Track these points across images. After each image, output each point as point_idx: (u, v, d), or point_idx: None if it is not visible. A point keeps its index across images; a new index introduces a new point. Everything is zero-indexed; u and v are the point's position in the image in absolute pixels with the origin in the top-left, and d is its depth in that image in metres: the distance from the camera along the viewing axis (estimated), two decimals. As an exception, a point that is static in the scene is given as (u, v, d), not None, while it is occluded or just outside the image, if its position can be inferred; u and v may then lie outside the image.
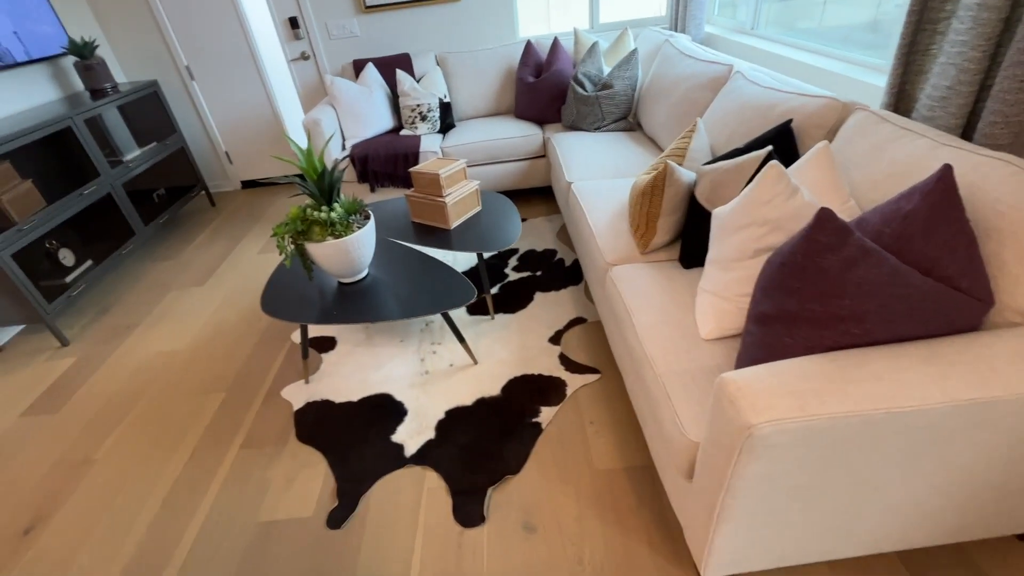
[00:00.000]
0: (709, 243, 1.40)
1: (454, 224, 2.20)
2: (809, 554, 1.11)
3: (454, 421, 1.77)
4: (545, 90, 3.07)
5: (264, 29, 3.62)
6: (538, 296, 2.36)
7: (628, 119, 2.90)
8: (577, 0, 3.56)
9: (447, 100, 3.26)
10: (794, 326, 0.98)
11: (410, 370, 2.02)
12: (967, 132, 1.34)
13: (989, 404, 0.81)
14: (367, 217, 1.84)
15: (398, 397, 1.90)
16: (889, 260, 0.91)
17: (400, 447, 1.70)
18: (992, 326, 0.96)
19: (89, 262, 2.75)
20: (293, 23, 3.50)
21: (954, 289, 0.92)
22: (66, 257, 2.71)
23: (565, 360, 1.98)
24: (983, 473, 0.94)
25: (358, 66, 3.38)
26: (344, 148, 3.14)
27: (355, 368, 2.07)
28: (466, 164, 2.22)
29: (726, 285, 1.30)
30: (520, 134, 3.01)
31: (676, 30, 3.20)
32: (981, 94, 1.30)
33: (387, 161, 2.96)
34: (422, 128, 3.17)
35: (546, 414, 1.76)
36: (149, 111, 3.48)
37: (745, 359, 1.11)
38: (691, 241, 1.60)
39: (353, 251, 1.76)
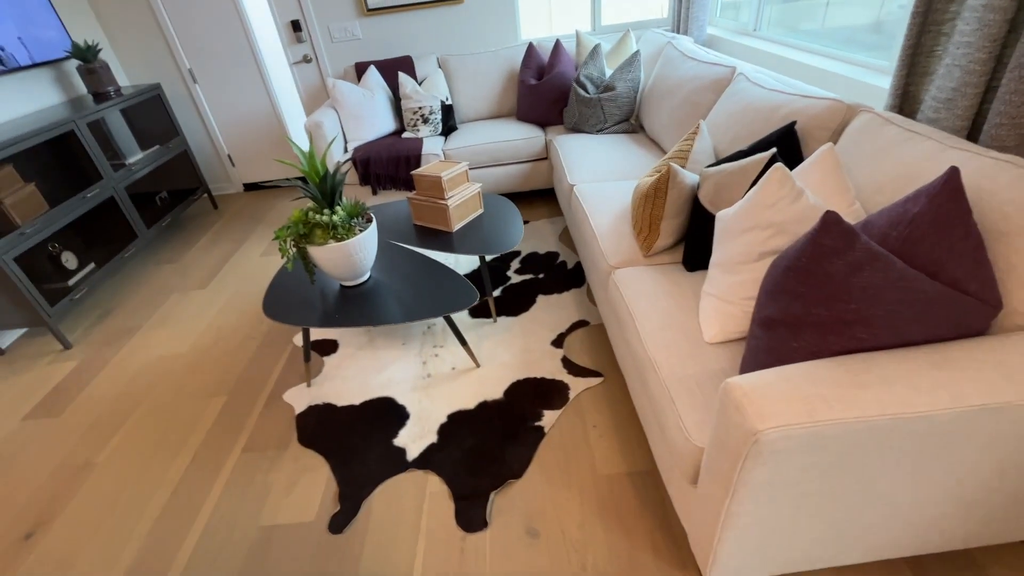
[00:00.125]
0: (713, 246, 1.39)
1: (456, 227, 2.20)
2: (816, 560, 1.10)
3: (456, 425, 1.76)
4: (547, 92, 3.07)
5: (266, 32, 3.63)
6: (540, 299, 2.35)
7: (630, 121, 2.90)
8: (579, 2, 3.56)
9: (449, 102, 3.26)
10: (800, 330, 0.98)
11: (412, 373, 2.02)
12: (973, 134, 1.33)
13: (999, 410, 0.80)
14: (369, 220, 1.83)
15: (400, 400, 1.89)
16: (896, 264, 0.90)
17: (402, 451, 1.70)
18: (1000, 330, 0.95)
19: (92, 265, 2.75)
20: (295, 26, 3.50)
21: (962, 293, 0.91)
22: (69, 260, 2.71)
23: (568, 363, 1.97)
24: (993, 479, 0.93)
25: (360, 69, 3.38)
26: (346, 151, 3.14)
27: (357, 371, 2.07)
28: (468, 167, 2.22)
29: (730, 288, 1.29)
30: (522, 136, 3.00)
31: (678, 32, 3.20)
32: (986, 96, 1.30)
33: (389, 164, 2.96)
34: (424, 131, 3.17)
35: (549, 418, 1.75)
36: (152, 114, 3.49)
37: (750, 363, 1.11)
38: (695, 244, 1.60)
39: (355, 254, 1.75)
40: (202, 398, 2.07)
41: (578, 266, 2.58)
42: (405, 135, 3.18)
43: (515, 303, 2.35)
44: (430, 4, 3.42)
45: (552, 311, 2.27)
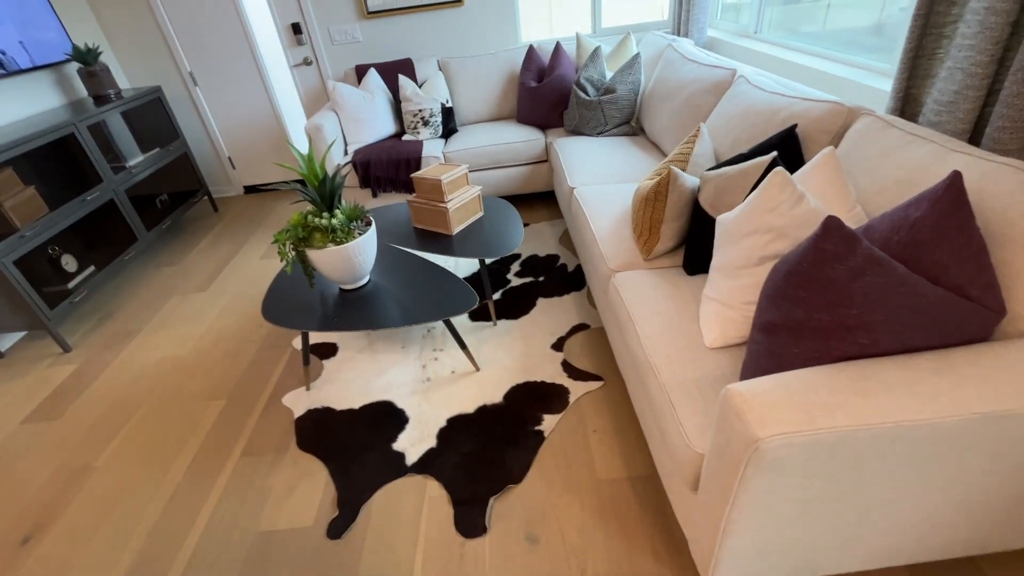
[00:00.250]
0: (713, 250, 1.38)
1: (456, 230, 2.19)
2: (817, 568, 1.08)
3: (456, 429, 1.75)
4: (547, 95, 3.07)
5: (267, 35, 3.63)
6: (540, 302, 2.35)
7: (631, 123, 2.89)
8: (579, 4, 3.55)
9: (449, 105, 3.25)
10: (801, 336, 0.97)
11: (412, 377, 2.01)
12: (975, 137, 1.32)
13: (1002, 417, 0.79)
14: (368, 223, 1.83)
15: (399, 404, 1.88)
16: (898, 269, 0.89)
17: (401, 455, 1.69)
18: (1004, 336, 0.94)
19: (91, 268, 2.75)
20: (296, 28, 3.50)
21: (965, 298, 0.90)
22: (68, 263, 2.71)
23: (568, 367, 1.96)
24: (997, 486, 0.92)
25: (360, 71, 3.38)
26: (346, 153, 3.14)
27: (356, 375, 2.06)
28: (468, 169, 2.21)
29: (731, 293, 1.28)
30: (522, 139, 3.00)
31: (679, 34, 3.20)
32: (989, 99, 1.29)
33: (389, 166, 2.95)
34: (424, 133, 3.16)
35: (549, 422, 1.74)
36: (152, 117, 3.49)
37: (751, 369, 1.10)
38: (695, 247, 1.59)
39: (354, 257, 1.74)
40: (201, 401, 2.06)
41: (578, 269, 2.57)
42: (405, 138, 3.18)
43: (515, 306, 2.34)
44: (430, 7, 3.42)
45: (552, 314, 2.26)
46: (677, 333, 1.36)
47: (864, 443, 0.81)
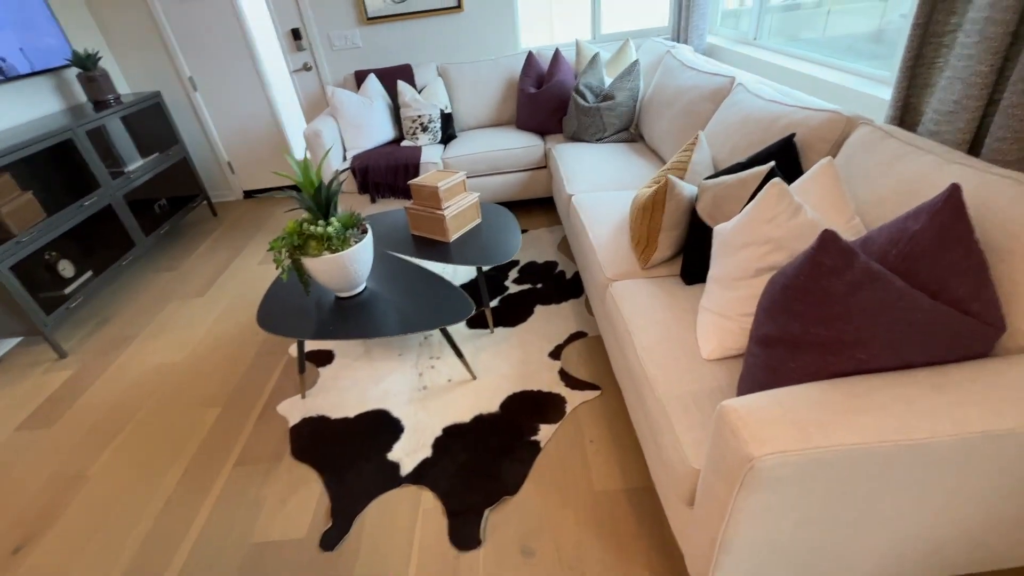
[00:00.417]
0: (711, 260, 1.37)
1: (453, 237, 2.18)
2: (815, 585, 1.07)
3: (451, 439, 1.74)
4: (546, 101, 3.06)
5: (267, 40, 3.63)
6: (538, 309, 2.33)
7: (630, 130, 2.88)
8: (579, 11, 3.55)
9: (448, 111, 3.25)
10: (798, 350, 0.95)
11: (408, 385, 1.99)
12: (975, 147, 1.31)
13: (1002, 437, 0.77)
14: (364, 231, 1.82)
15: (395, 413, 1.87)
16: (896, 283, 0.88)
17: (396, 465, 1.67)
18: (1004, 351, 0.93)
19: (89, 273, 2.74)
20: (295, 34, 3.51)
21: (964, 313, 0.88)
22: (65, 268, 2.70)
23: (565, 376, 1.95)
24: (997, 505, 0.90)
25: (360, 77, 3.38)
26: (345, 159, 3.14)
27: (352, 382, 2.05)
28: (466, 176, 2.20)
29: (728, 304, 1.27)
30: (521, 145, 2.99)
31: (678, 41, 3.19)
32: (988, 109, 1.28)
33: (388, 172, 2.95)
34: (423, 139, 3.16)
35: (545, 432, 1.73)
36: (152, 122, 3.49)
37: (748, 382, 1.08)
38: (693, 257, 1.57)
39: (350, 266, 1.73)
40: (197, 409, 2.05)
41: (577, 276, 2.56)
42: (404, 143, 3.17)
43: (513, 313, 2.33)
44: (430, 13, 3.42)
45: (550, 322, 2.25)
46: (674, 344, 1.35)
47: (861, 461, 0.80)
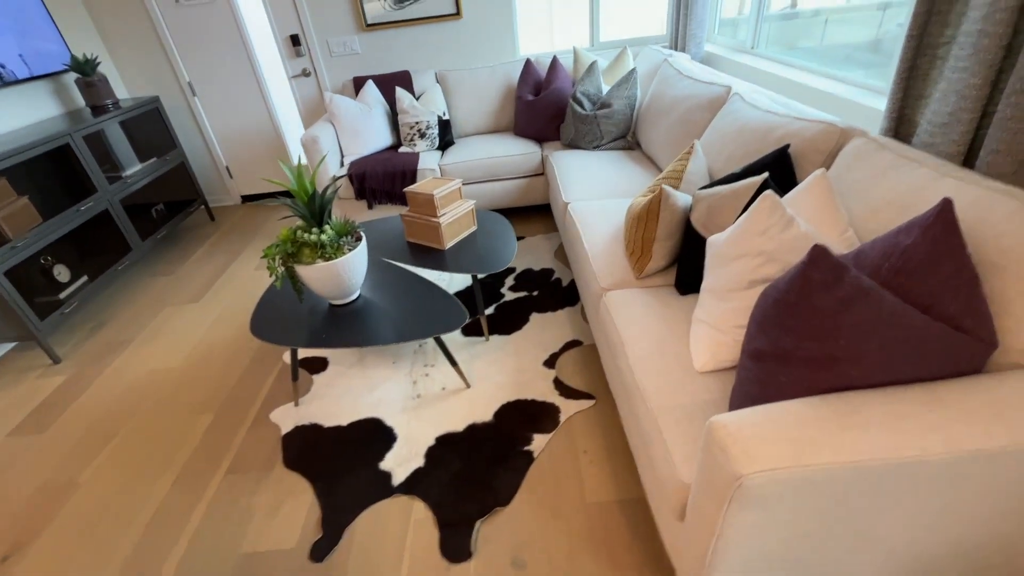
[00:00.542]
0: (704, 271, 1.36)
1: (448, 244, 2.18)
2: (807, 602, 1.05)
3: (444, 448, 1.73)
4: (544, 108, 3.06)
5: (266, 46, 3.64)
6: (534, 317, 2.33)
7: (627, 138, 2.88)
8: (578, 18, 3.56)
9: (446, 117, 3.25)
10: (789, 365, 0.94)
11: (402, 393, 1.98)
12: (969, 159, 1.30)
13: (994, 455, 0.77)
14: (358, 239, 1.81)
15: (388, 422, 1.86)
16: (887, 299, 0.87)
17: (388, 475, 1.66)
18: (996, 368, 0.92)
19: (84, 278, 2.73)
20: (295, 40, 3.51)
21: (956, 329, 0.87)
22: (61, 273, 2.70)
23: (559, 385, 1.94)
24: (990, 522, 0.89)
25: (358, 83, 3.38)
26: (343, 165, 3.14)
27: (346, 390, 2.04)
28: (462, 183, 2.20)
29: (721, 316, 1.26)
30: (519, 152, 2.99)
31: (676, 49, 3.20)
32: (983, 121, 1.27)
33: (385, 179, 2.95)
34: (421, 145, 3.16)
35: (538, 442, 1.72)
36: (150, 126, 3.49)
37: (740, 396, 1.07)
38: (687, 267, 1.57)
39: (343, 274, 1.73)
40: (189, 416, 2.04)
41: (573, 283, 2.55)
42: (402, 150, 3.17)
43: (508, 321, 2.32)
44: (429, 20, 3.43)
45: (545, 330, 2.24)
46: (667, 356, 1.34)
47: (851, 479, 0.79)
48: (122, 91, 3.66)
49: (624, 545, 1.39)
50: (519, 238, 3.05)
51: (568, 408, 1.83)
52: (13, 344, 2.65)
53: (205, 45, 3.56)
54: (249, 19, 3.53)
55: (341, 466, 1.71)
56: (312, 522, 1.55)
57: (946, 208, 0.91)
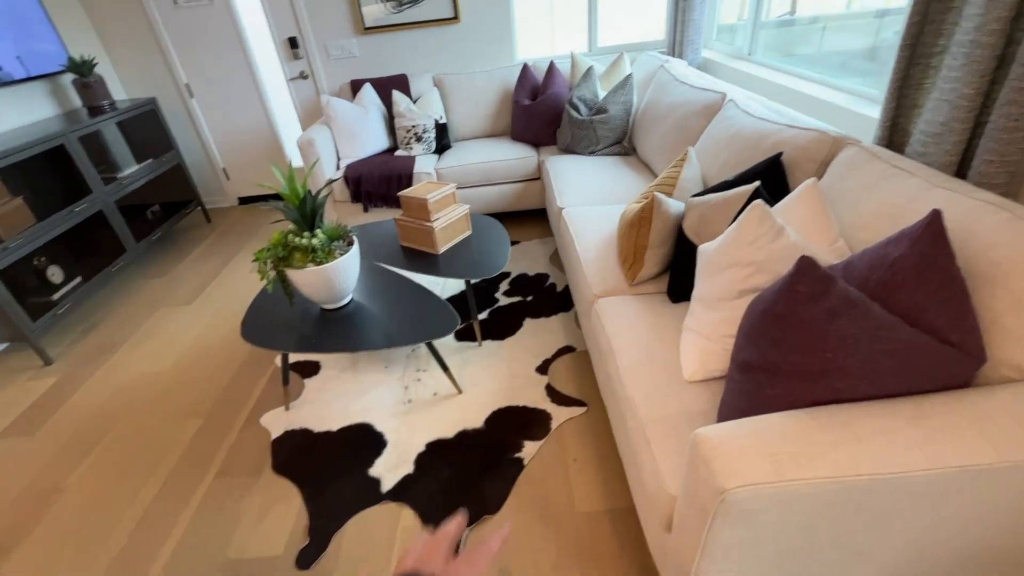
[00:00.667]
0: (695, 280, 1.36)
1: (442, 249, 2.17)
2: (794, 616, 1.04)
3: (434, 455, 1.71)
4: (541, 113, 3.06)
5: (264, 48, 3.64)
6: (527, 323, 2.32)
7: (623, 143, 2.88)
8: (576, 23, 3.56)
9: (443, 121, 3.25)
10: (776, 377, 0.93)
11: (393, 398, 1.97)
12: (961, 169, 1.30)
13: (979, 472, 0.75)
14: (350, 243, 1.80)
15: (378, 428, 1.85)
16: (874, 311, 0.86)
17: (377, 481, 1.65)
18: (984, 381, 0.91)
19: (78, 279, 2.73)
20: (292, 43, 3.51)
21: (944, 343, 0.86)
22: (54, 274, 2.69)
23: (551, 391, 1.92)
24: (976, 538, 0.88)
25: (356, 86, 3.38)
26: (339, 168, 3.13)
27: (337, 395, 2.02)
28: (456, 187, 2.20)
29: (711, 325, 1.25)
30: (515, 156, 2.99)
31: (674, 54, 3.19)
32: (976, 131, 1.26)
33: (380, 182, 2.94)
34: (417, 149, 3.15)
35: (529, 449, 1.70)
36: (147, 128, 3.49)
37: (728, 407, 1.06)
38: (679, 274, 1.56)
39: (335, 278, 1.72)
40: (179, 419, 2.02)
41: (567, 289, 2.54)
42: (398, 153, 3.17)
43: (502, 326, 2.31)
44: (427, 23, 3.43)
45: (539, 335, 2.23)
46: (657, 365, 1.33)
47: (836, 495, 0.78)
48: (120, 92, 3.66)
49: (612, 556, 1.37)
50: (515, 242, 3.04)
51: (560, 415, 1.82)
52: (5, 345, 2.64)
53: (203, 47, 3.56)
54: (247, 21, 3.53)
55: (330, 472, 1.70)
56: (300, 528, 1.54)
57: (935, 220, 0.90)
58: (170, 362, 2.37)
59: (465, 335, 2.28)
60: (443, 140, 3.23)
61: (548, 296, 2.50)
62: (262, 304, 1.94)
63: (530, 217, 3.39)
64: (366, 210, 3.06)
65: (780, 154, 1.52)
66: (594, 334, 1.63)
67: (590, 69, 2.90)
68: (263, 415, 1.98)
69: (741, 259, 1.16)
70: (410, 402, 1.94)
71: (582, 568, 1.35)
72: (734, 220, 1.38)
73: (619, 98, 2.73)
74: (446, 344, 2.24)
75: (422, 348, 2.23)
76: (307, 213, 1.71)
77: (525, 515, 1.50)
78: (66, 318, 2.84)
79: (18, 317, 2.32)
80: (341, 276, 1.74)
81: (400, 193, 2.13)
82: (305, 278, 1.69)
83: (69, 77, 3.24)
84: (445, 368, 1.89)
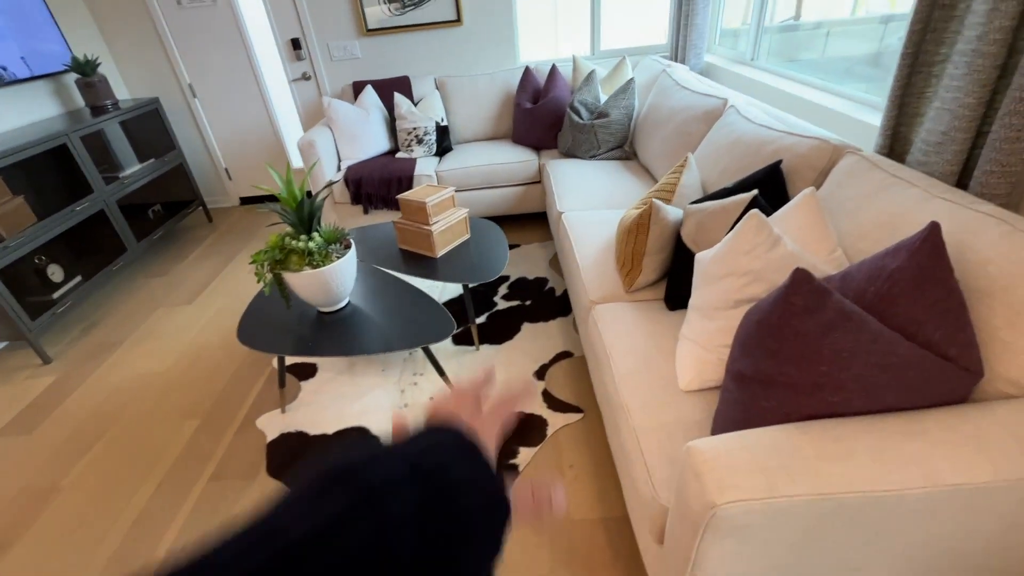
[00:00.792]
0: (692, 288, 1.34)
1: (440, 252, 2.16)
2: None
3: (429, 460, 1.70)
4: (542, 116, 3.05)
5: (267, 49, 3.65)
6: (526, 327, 2.31)
7: (624, 148, 2.87)
8: (579, 27, 3.55)
9: (444, 123, 3.24)
10: (771, 389, 0.92)
11: (390, 402, 1.97)
12: (963, 179, 1.28)
13: (975, 490, 0.74)
14: (348, 246, 1.80)
15: (374, 431, 1.84)
16: (870, 324, 0.85)
17: (371, 486, 1.64)
18: (982, 397, 0.89)
19: (78, 278, 2.73)
20: (295, 44, 3.52)
21: (941, 357, 0.85)
22: (55, 273, 2.69)
23: (548, 397, 1.91)
24: (974, 555, 0.87)
25: (357, 88, 3.38)
26: (339, 169, 3.13)
27: (334, 398, 2.02)
28: (455, 191, 2.19)
29: (708, 334, 1.24)
30: (516, 159, 2.98)
31: (676, 59, 3.18)
32: (977, 141, 1.25)
33: (381, 184, 2.94)
34: (418, 151, 3.15)
35: (524, 455, 1.69)
36: (150, 127, 3.49)
37: (723, 418, 1.05)
38: (677, 282, 1.55)
39: (331, 281, 1.71)
40: (176, 420, 2.02)
41: (566, 293, 2.53)
42: (399, 155, 3.17)
43: (500, 331, 2.30)
44: (430, 26, 3.43)
45: (537, 340, 2.22)
46: (653, 373, 1.32)
47: (828, 511, 0.77)
48: (123, 92, 3.67)
49: (605, 566, 1.36)
50: (515, 246, 3.03)
51: (556, 421, 1.81)
52: (4, 344, 2.65)
53: (206, 47, 3.57)
54: (250, 22, 3.54)
55: (324, 476, 1.69)
56: (292, 533, 1.53)
57: (934, 232, 0.89)
58: (169, 362, 2.37)
59: (463, 339, 2.28)
60: (444, 142, 3.23)
61: (547, 300, 2.49)
62: (259, 307, 1.93)
63: (531, 221, 3.38)
64: (366, 212, 3.06)
65: (780, 162, 1.51)
66: (591, 340, 1.62)
67: (592, 73, 2.89)
68: (259, 417, 1.98)
69: (738, 268, 1.15)
70: (406, 406, 1.94)
71: (575, 577, 1.34)
72: (732, 228, 1.37)
73: (621, 102, 2.72)
74: (443, 348, 2.24)
75: (419, 351, 2.22)
76: (304, 216, 1.70)
77: (518, 523, 1.49)
78: (66, 317, 2.85)
79: (17, 316, 2.33)
80: (338, 279, 1.73)
81: (399, 196, 2.13)
82: (302, 281, 1.68)
83: (72, 77, 3.25)
84: (441, 372, 1.88)
